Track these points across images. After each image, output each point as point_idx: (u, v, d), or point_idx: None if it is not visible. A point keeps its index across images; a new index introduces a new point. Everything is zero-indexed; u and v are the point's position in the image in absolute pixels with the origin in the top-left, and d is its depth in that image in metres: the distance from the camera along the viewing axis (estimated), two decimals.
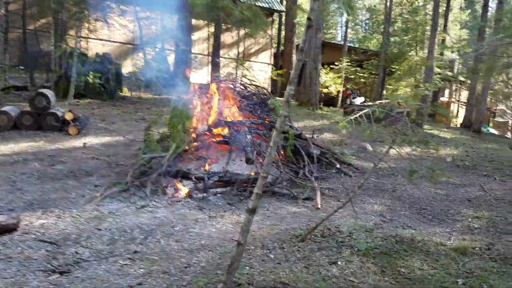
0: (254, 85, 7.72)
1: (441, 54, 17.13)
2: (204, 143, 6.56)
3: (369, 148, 8.78)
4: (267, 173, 3.04)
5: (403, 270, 3.70)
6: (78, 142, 8.27)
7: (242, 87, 7.49)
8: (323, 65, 23.26)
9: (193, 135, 6.56)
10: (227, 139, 6.66)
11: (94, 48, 16.31)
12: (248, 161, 6.13)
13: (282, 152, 6.76)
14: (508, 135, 27.34)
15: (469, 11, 33.55)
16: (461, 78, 25.58)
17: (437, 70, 15.85)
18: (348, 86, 22.58)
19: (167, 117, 6.73)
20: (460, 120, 23.55)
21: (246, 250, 3.99)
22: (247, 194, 5.77)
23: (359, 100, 12.07)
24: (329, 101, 24.71)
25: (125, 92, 14.37)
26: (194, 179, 6.14)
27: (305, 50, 2.95)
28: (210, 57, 21.32)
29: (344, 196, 6.01)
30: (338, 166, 7.03)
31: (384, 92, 22.87)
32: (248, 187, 5.83)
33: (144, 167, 6.35)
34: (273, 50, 29.64)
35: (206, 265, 3.66)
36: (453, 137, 12.65)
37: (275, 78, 17.64)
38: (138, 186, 6.10)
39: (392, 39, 22.69)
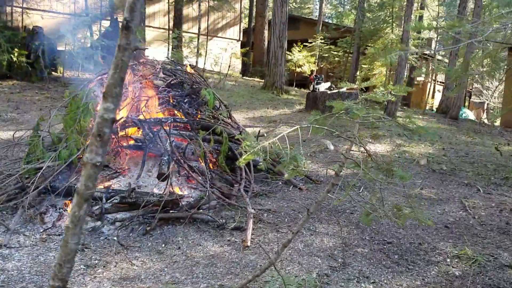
0: (182, 70, 6.10)
1: (419, 32, 15.77)
2: (110, 149, 4.99)
3: (331, 147, 7.35)
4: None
5: None
6: None
7: (168, 72, 5.86)
8: (296, 42, 21.79)
9: None
10: (140, 144, 5.11)
11: (30, 20, 14.23)
12: (160, 176, 4.61)
13: (213, 160, 5.26)
14: (484, 117, 26.49)
15: None
16: (439, 57, 24.40)
17: (413, 49, 14.46)
18: (314, 69, 21.12)
19: (59, 114, 5.12)
20: (436, 102, 22.44)
21: None
22: (155, 224, 4.28)
23: (324, 86, 10.61)
24: (303, 81, 23.35)
25: (61, 72, 12.50)
26: None
27: (133, 26, 1.42)
28: (171, 32, 19.48)
29: (288, 223, 4.58)
30: (286, 176, 5.55)
31: (358, 73, 21.51)
32: (158, 214, 4.33)
33: (26, 181, 4.77)
34: (244, 26, 27.85)
35: None
36: (428, 126, 11.35)
37: (237, 58, 16.00)
38: (14, 209, 4.56)
39: (368, 14, 21.19)
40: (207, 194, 4.66)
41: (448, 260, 4.00)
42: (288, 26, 15.05)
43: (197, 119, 5.36)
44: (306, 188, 5.59)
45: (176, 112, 5.43)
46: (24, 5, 14.00)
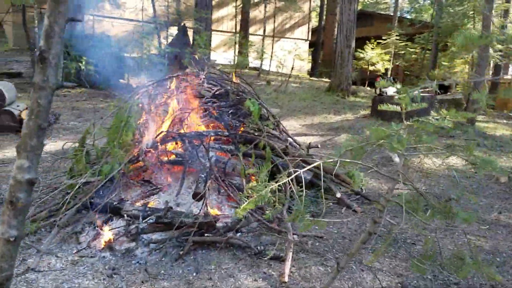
0: (227, 79, 5.76)
1: (502, 27, 14.16)
2: (150, 164, 4.80)
3: (396, 159, 6.59)
4: None
5: None
6: None
7: (212, 81, 5.57)
8: (369, 39, 20.99)
9: (135, 152, 4.82)
10: (181, 159, 4.86)
11: (100, 28, 14.82)
12: (196, 196, 4.31)
13: (253, 179, 4.87)
14: None
15: None
16: None
17: (498, 46, 12.98)
18: (388, 67, 20.05)
19: (101, 128, 5.03)
20: None
21: None
22: (188, 248, 3.98)
23: (392, 89, 9.68)
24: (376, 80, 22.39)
25: (128, 79, 12.80)
26: (126, 217, 4.45)
27: (51, 58, 1.06)
28: (237, 36, 19.50)
29: (336, 253, 4.06)
30: (338, 195, 5.02)
31: (437, 71, 20.04)
32: (192, 236, 4.03)
33: (67, 196, 4.73)
34: (312, 25, 27.25)
35: None
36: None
37: (301, 59, 15.47)
38: (53, 226, 4.51)
39: (450, 8, 19.62)
40: (246, 215, 4.28)
41: None
42: (360, 23, 14.31)
43: (240, 132, 5.01)
44: (362, 210, 5.00)
45: (219, 124, 5.12)
46: (96, 13, 14.58)
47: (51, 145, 6.96)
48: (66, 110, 8.85)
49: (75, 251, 4.04)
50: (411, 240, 4.32)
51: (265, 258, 3.91)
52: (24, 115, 7.40)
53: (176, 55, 15.09)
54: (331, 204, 5.08)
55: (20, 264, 3.78)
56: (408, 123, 2.38)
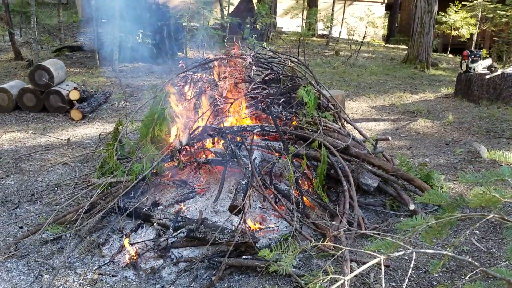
0: (288, 59, 4.83)
1: None
2: (183, 165, 4.16)
3: (484, 155, 5.42)
4: None
5: None
6: (73, 133, 6.48)
7: (263, 65, 4.72)
8: (453, 1, 18.97)
9: (169, 149, 4.20)
10: (220, 158, 4.17)
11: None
12: (233, 210, 3.59)
13: (306, 184, 4.06)
14: None
15: None
16: None
17: None
18: (474, 32, 17.87)
19: (132, 120, 4.44)
20: None
21: None
22: (222, 272, 3.32)
23: (482, 65, 8.15)
24: (459, 45, 20.31)
25: (188, 53, 12.26)
26: (156, 226, 3.88)
27: None
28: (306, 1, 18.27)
29: None
30: (412, 207, 4.06)
31: None
32: (227, 257, 3.36)
33: (96, 197, 4.25)
34: None
35: None
36: None
37: (374, 27, 13.94)
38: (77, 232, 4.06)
39: None
40: (292, 233, 3.53)
41: None
42: None
43: (291, 127, 4.17)
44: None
45: (267, 117, 4.32)
46: None
47: (97, 129, 6.59)
48: (119, 87, 8.51)
49: (96, 267, 3.55)
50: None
51: None
52: (72, 95, 7.09)
53: (241, 24, 14.31)
54: (402, 218, 4.15)
55: (35, 281, 3.35)
56: None
